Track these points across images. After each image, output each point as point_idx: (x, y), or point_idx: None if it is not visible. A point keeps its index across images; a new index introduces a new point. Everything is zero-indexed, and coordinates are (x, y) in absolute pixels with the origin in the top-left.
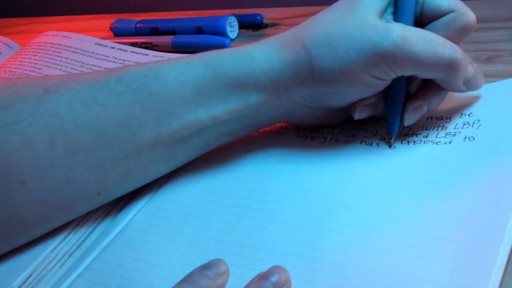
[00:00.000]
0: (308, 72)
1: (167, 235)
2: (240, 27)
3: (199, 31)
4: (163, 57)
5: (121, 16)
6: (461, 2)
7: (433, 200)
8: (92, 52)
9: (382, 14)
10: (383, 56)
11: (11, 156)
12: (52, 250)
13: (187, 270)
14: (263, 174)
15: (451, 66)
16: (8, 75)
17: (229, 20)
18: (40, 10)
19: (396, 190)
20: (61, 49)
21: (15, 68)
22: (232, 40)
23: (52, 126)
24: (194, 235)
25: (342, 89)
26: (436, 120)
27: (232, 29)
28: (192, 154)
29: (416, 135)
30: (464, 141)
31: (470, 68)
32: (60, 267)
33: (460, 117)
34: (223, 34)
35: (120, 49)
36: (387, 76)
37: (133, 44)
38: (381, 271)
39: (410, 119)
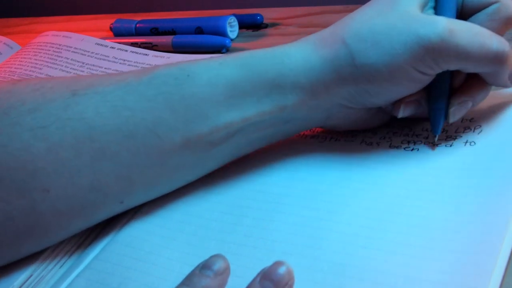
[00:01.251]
0: (351, 70)
1: (167, 234)
2: (240, 27)
3: (199, 31)
4: (163, 57)
5: (121, 16)
6: None
7: (434, 201)
8: (92, 52)
9: (423, 8)
10: (429, 49)
11: (37, 163)
12: (53, 250)
13: (187, 270)
14: (263, 174)
15: (498, 59)
16: (8, 75)
17: (229, 20)
18: (40, 10)
19: (396, 190)
20: (61, 49)
21: (15, 68)
22: (232, 40)
23: (79, 132)
24: (194, 235)
25: (386, 86)
26: None
27: (232, 29)
28: (220, 162)
29: (417, 136)
30: (465, 145)
31: None
32: (61, 267)
33: (461, 122)
34: (223, 34)
35: (120, 49)
36: (432, 70)
37: (133, 44)
38: (381, 270)
39: (455, 115)
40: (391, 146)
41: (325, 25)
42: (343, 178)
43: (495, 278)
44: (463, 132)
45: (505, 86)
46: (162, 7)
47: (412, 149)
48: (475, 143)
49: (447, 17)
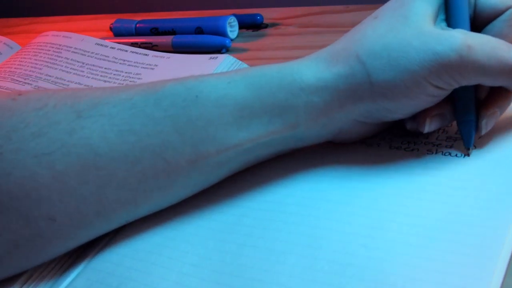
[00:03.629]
0: (367, 87)
1: (167, 234)
2: (240, 27)
3: (199, 31)
4: (163, 57)
5: (121, 16)
6: None
7: (434, 202)
8: (92, 52)
9: (435, 21)
10: (447, 66)
11: (42, 191)
12: None
13: (187, 269)
14: (263, 174)
15: None
16: (8, 75)
17: (229, 20)
18: (40, 10)
19: (397, 190)
20: (61, 49)
21: (15, 68)
22: (232, 40)
23: (85, 159)
24: (194, 234)
25: (404, 101)
26: None
27: (232, 29)
28: (227, 175)
29: (417, 136)
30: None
31: None
32: (61, 267)
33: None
34: (223, 34)
35: (120, 49)
36: (450, 86)
37: (133, 44)
38: (381, 270)
39: (487, 126)
40: (391, 147)
41: (325, 25)
42: (343, 178)
43: (496, 280)
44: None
45: None
46: (162, 7)
47: (412, 150)
48: (475, 146)
49: (464, 30)
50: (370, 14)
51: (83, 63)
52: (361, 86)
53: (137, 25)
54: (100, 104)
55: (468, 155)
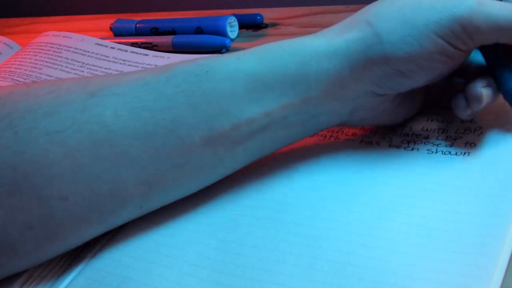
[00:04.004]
0: (379, 49)
1: (166, 233)
2: (240, 27)
3: (199, 31)
4: (163, 57)
5: (121, 16)
6: None
7: (434, 201)
8: (92, 52)
9: None
10: (461, 22)
11: (54, 169)
12: None
13: (187, 269)
14: (262, 173)
15: None
16: (8, 75)
17: (229, 20)
18: (40, 10)
19: (396, 189)
20: (61, 49)
21: (15, 68)
22: (232, 40)
23: (98, 136)
24: (194, 233)
25: (418, 62)
26: (437, 123)
27: (232, 29)
28: (243, 162)
29: (417, 135)
30: (465, 146)
31: None
32: (61, 267)
33: (462, 122)
34: (223, 34)
35: (120, 49)
36: (465, 46)
37: (133, 44)
38: (381, 269)
39: None
40: (391, 146)
41: (325, 25)
42: (343, 177)
43: (496, 279)
44: (463, 133)
45: None
46: (162, 7)
47: (412, 149)
48: (475, 144)
49: None
50: None
51: (83, 63)
52: (372, 48)
53: (137, 25)
54: (113, 85)
55: None
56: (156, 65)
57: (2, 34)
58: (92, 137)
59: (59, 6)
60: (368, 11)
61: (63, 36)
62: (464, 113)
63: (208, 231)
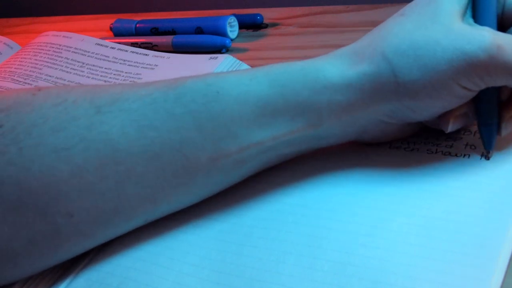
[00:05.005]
0: (393, 86)
1: (166, 233)
2: (240, 27)
3: (199, 31)
4: (163, 57)
5: (121, 16)
6: None
7: (434, 201)
8: (92, 52)
9: (463, 18)
10: (476, 66)
11: (60, 187)
12: None
13: (187, 269)
14: (261, 173)
15: None
16: (8, 75)
17: (229, 20)
18: (40, 10)
19: (397, 189)
20: (61, 49)
21: (15, 68)
22: (232, 40)
23: (104, 154)
24: (194, 234)
25: (429, 102)
26: None
27: (232, 29)
28: (247, 175)
29: (417, 136)
30: (465, 148)
31: None
32: (61, 267)
33: None
34: (223, 34)
35: (120, 49)
36: (477, 87)
37: (133, 44)
38: (381, 269)
39: (508, 128)
40: (391, 147)
41: (325, 25)
42: (343, 177)
43: (496, 280)
44: (463, 134)
45: None
46: (162, 7)
47: (412, 149)
48: (475, 147)
49: (492, 29)
50: (370, 14)
51: (83, 63)
52: (387, 86)
53: (137, 25)
54: (119, 100)
55: (488, 158)
56: (156, 65)
57: (2, 34)
58: (98, 155)
59: (59, 6)
60: (383, 41)
61: (63, 36)
62: (431, 124)
63: (208, 231)
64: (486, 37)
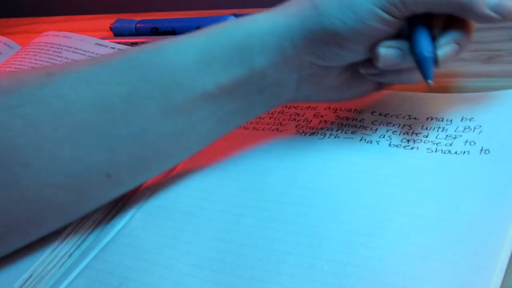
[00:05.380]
0: (317, 20)
1: (166, 233)
2: None
3: None
4: None
5: (121, 16)
6: None
7: (434, 201)
8: (92, 52)
9: None
10: None
11: (16, 139)
12: (52, 251)
13: (187, 269)
14: (262, 173)
15: None
16: None
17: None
18: (40, 10)
19: (397, 188)
20: (61, 49)
21: (15, 68)
22: None
23: (56, 107)
24: (194, 234)
25: (356, 31)
26: (437, 121)
27: None
28: (203, 136)
29: (417, 134)
30: (465, 144)
31: None
32: (60, 267)
33: (461, 121)
34: None
35: (120, 49)
36: (399, 12)
37: (133, 44)
38: (381, 269)
39: (444, 59)
40: (391, 145)
41: None
42: (343, 177)
43: (496, 279)
44: (463, 131)
45: (490, 20)
46: (162, 7)
47: (412, 148)
48: (475, 142)
49: None
50: None
51: None
52: (311, 20)
53: (137, 25)
54: (70, 65)
55: (430, 88)
56: None
57: (2, 34)
58: (50, 108)
59: (59, 6)
60: None
61: (63, 36)
62: (367, 70)
63: (208, 231)
64: None
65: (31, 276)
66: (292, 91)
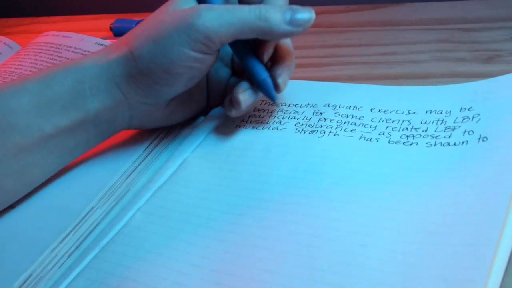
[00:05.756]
0: (134, 65)
1: (166, 233)
2: None
3: None
4: None
5: (121, 16)
6: None
7: (433, 196)
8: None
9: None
10: (197, 29)
11: None
12: (52, 251)
13: (187, 269)
14: (262, 172)
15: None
16: (8, 75)
17: None
18: (40, 10)
19: (396, 186)
20: (61, 49)
21: (15, 68)
22: None
23: None
24: (194, 234)
25: (171, 70)
26: (436, 114)
27: None
28: (45, 170)
29: (415, 129)
30: (463, 135)
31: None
32: (60, 267)
33: (460, 111)
34: None
35: None
36: (208, 49)
37: None
38: (381, 269)
39: (284, 82)
40: (390, 142)
41: (325, 25)
42: (342, 176)
43: (495, 279)
44: (462, 122)
45: (289, 34)
46: None
47: (411, 144)
48: (473, 132)
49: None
50: (370, 14)
51: None
52: (129, 64)
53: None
54: None
55: (277, 104)
56: None
57: (2, 34)
58: None
59: (59, 6)
60: (129, 32)
61: (63, 36)
62: (230, 113)
63: (208, 232)
64: (198, 7)
65: (30, 276)
66: (126, 124)
